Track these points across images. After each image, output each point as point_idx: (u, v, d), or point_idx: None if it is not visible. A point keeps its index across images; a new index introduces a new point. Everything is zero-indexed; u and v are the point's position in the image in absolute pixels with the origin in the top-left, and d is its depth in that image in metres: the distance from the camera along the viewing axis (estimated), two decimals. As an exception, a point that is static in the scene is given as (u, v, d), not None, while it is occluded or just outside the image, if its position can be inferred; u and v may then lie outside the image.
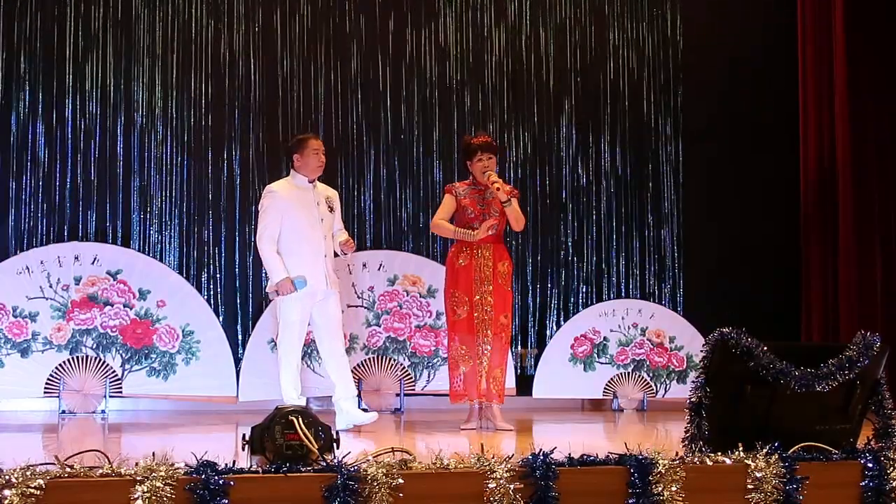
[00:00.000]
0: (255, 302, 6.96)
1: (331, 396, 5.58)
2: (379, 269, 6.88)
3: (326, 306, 5.49)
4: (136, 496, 2.55)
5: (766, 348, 3.29)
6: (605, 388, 7.22)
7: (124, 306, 6.45)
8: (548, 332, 7.42)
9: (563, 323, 7.38)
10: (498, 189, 5.42)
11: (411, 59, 7.43)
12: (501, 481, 2.81)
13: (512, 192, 5.56)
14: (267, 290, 5.57)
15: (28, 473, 2.52)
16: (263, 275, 6.93)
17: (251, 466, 2.83)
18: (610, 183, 7.72)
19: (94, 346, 6.39)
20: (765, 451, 3.10)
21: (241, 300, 6.95)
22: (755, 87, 7.91)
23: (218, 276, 6.94)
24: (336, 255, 5.69)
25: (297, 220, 5.43)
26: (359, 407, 5.70)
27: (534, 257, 7.53)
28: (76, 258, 6.45)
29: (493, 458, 2.87)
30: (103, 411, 6.37)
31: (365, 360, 6.77)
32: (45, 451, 4.36)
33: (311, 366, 6.46)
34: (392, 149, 7.34)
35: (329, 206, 5.56)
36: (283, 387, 5.40)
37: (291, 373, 5.40)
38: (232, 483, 2.63)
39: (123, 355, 6.41)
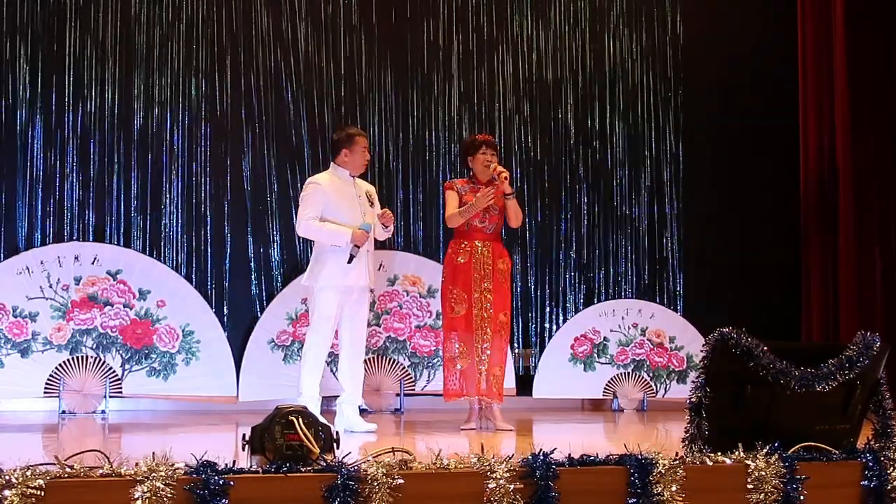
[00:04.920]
0: (255, 302, 6.95)
1: (334, 396, 5.55)
2: (379, 269, 6.87)
3: (359, 307, 5.42)
4: (136, 496, 2.54)
5: (766, 348, 3.28)
6: (605, 388, 7.22)
7: (124, 306, 6.45)
8: (548, 333, 7.42)
9: (563, 323, 7.38)
10: (506, 179, 5.43)
11: (411, 59, 7.44)
12: (501, 481, 2.80)
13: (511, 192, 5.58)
14: (350, 252, 5.20)
15: (28, 473, 2.51)
16: (263, 274, 6.97)
17: (251, 466, 2.82)
18: (610, 182, 7.73)
19: (94, 346, 6.38)
20: (765, 451, 3.09)
21: (241, 300, 6.94)
22: (755, 87, 7.91)
23: (219, 276, 6.93)
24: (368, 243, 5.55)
25: (339, 213, 5.34)
26: (360, 410, 5.66)
27: (534, 257, 7.53)
28: (76, 258, 6.45)
29: (493, 458, 2.86)
30: (103, 411, 6.37)
31: (365, 361, 6.75)
32: (45, 451, 4.35)
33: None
34: (391, 148, 7.34)
35: (370, 201, 5.50)
36: (303, 382, 5.26)
37: (316, 369, 5.29)
38: (232, 483, 2.62)
39: (123, 355, 6.41)
